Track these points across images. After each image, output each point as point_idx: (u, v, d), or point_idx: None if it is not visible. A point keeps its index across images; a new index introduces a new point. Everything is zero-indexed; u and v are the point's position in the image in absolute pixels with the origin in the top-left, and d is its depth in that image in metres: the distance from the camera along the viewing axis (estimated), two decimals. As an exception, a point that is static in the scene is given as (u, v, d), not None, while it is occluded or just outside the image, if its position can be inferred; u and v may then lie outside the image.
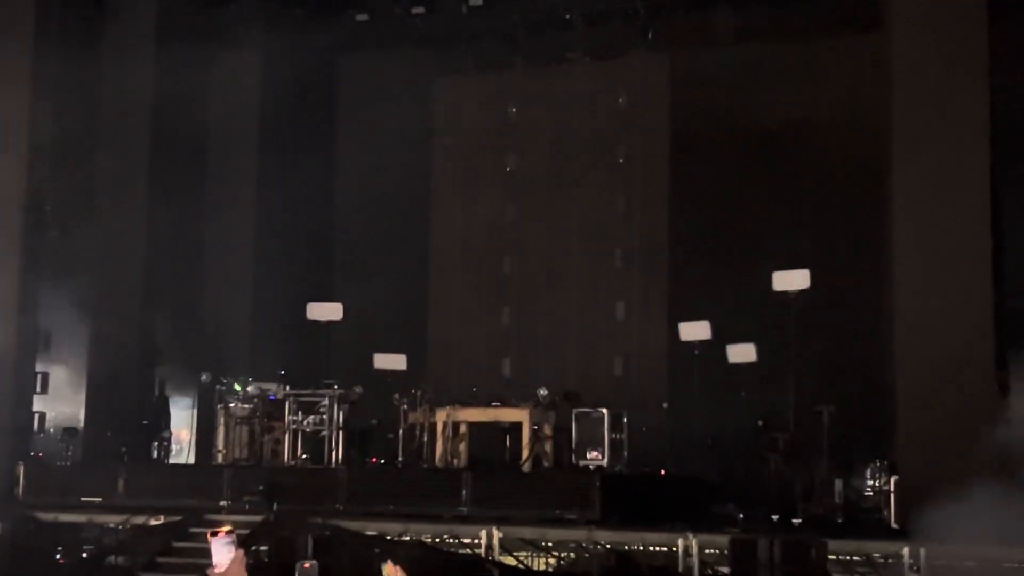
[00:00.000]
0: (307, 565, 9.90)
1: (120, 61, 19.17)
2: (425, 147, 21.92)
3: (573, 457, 15.89)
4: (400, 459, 16.30)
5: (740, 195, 19.44)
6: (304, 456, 16.56)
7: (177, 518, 14.63)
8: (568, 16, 20.72)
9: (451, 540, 13.72)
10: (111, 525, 14.89)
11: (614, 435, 15.87)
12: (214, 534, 8.34)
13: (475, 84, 21.83)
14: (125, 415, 18.42)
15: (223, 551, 8.36)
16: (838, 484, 14.98)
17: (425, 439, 16.27)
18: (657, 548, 13.08)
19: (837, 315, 17.87)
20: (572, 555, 13.47)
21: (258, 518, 14.14)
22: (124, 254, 19.17)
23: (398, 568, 9.31)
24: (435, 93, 22.08)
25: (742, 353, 16.66)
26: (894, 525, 14.21)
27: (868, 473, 15.34)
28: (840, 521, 14.53)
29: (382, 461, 16.60)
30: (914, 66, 16.02)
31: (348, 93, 22.23)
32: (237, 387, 17.10)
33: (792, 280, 16.04)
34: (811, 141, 19.13)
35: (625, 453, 15.99)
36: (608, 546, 13.22)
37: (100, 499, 15.44)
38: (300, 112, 21.05)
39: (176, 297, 19.76)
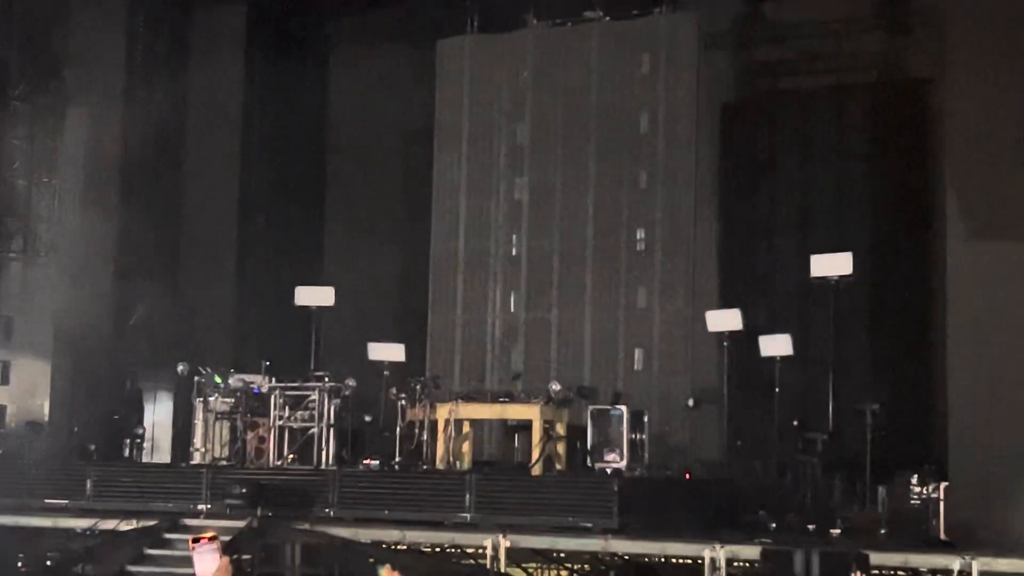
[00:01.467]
0: None
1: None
2: (427, 115, 21.90)
3: (588, 459, 15.91)
4: (397, 460, 16.33)
5: (776, 168, 19.43)
6: (291, 456, 16.58)
7: (151, 523, 14.65)
8: (586, -31, 20.69)
9: (453, 550, 13.75)
10: (78, 530, 14.92)
11: (633, 435, 15.89)
12: (196, 540, 8.33)
13: (482, 45, 21.79)
14: (94, 409, 18.44)
15: (207, 560, 8.35)
16: (881, 491, 14.96)
17: (425, 438, 16.30)
18: (681, 560, 13.09)
19: (883, 303, 17.89)
20: (587, 567, 13.49)
21: (240, 524, 14.15)
22: (94, 232, 19.19)
23: (395, 574, 9.32)
24: (438, 55, 22.04)
25: (776, 345, 16.65)
26: (943, 536, 14.20)
27: (915, 479, 15.32)
28: (883, 532, 14.52)
29: (377, 462, 16.61)
30: (967, 26, 15.97)
31: (343, 53, 22.22)
32: (218, 379, 17.12)
33: (833, 264, 16.02)
34: (857, 106, 19.08)
35: (646, 455, 16.01)
36: (627, 557, 13.24)
37: (66, 502, 15.47)
38: (288, 74, 21.04)
39: (151, 280, 19.79)
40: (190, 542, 8.40)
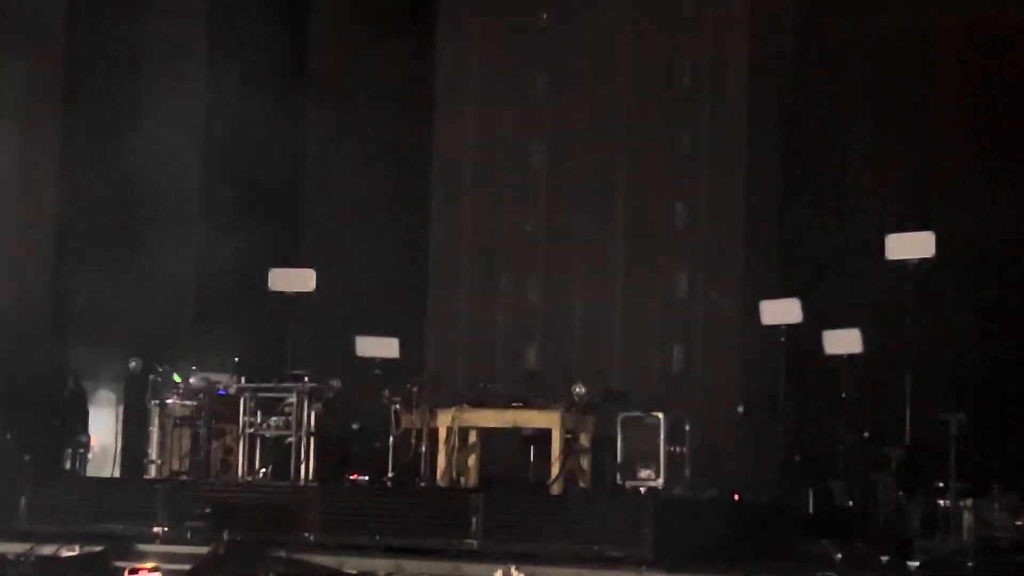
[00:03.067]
0: None
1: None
2: (426, 65, 21.92)
3: (618, 476, 15.94)
4: (390, 476, 16.38)
5: (842, 132, 19.43)
6: (264, 470, 16.65)
7: (96, 548, 14.70)
8: None
9: (456, 582, 13.79)
10: (10, 556, 14.96)
11: (672, 448, 15.90)
12: (134, 573, 8.42)
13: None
14: (29, 413, 18.51)
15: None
16: (967, 516, 14.99)
17: (423, 450, 16.32)
18: (727, 597, 13.14)
19: (970, 294, 17.86)
20: (615, 604, 13.52)
21: (204, 550, 14.20)
22: (31, 200, 19.27)
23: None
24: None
25: (843, 341, 16.68)
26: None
27: (1006, 501, 15.36)
28: (970, 564, 14.55)
29: (366, 478, 16.68)
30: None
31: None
32: (177, 378, 17.18)
33: (912, 246, 16.03)
34: (940, 62, 19.09)
35: (687, 472, 16.03)
36: (663, 593, 13.27)
37: (-4, 523, 15.55)
38: (262, 16, 21.05)
39: (98, 259, 19.84)
40: (126, 573, 8.46)
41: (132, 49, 20.63)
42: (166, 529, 14.95)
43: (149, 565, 8.47)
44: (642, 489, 15.66)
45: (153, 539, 14.75)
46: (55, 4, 19.76)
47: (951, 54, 19.16)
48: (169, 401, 17.12)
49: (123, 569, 13.44)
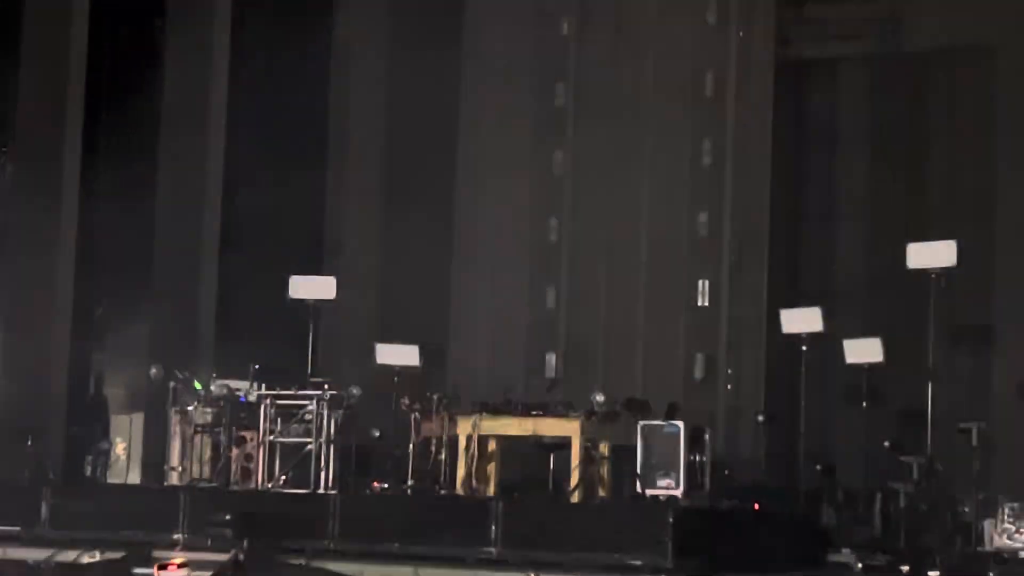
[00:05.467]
0: None
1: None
2: (451, 72, 21.97)
3: (638, 485, 15.98)
4: (410, 483, 16.45)
5: (868, 141, 19.42)
6: (284, 477, 16.72)
7: (117, 555, 14.80)
8: None
9: (475, 590, 13.85)
10: (31, 562, 15.08)
11: (692, 456, 15.95)
12: (163, 567, 8.54)
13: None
14: (50, 420, 18.60)
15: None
16: (988, 526, 15.00)
17: (443, 457, 16.40)
18: (747, 606, 13.18)
19: (993, 302, 17.86)
20: (635, 613, 13.56)
21: (223, 558, 14.28)
22: (53, 208, 19.38)
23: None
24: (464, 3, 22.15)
25: (865, 350, 16.67)
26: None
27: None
28: (991, 575, 14.57)
29: (386, 486, 16.75)
30: None
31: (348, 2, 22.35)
32: (197, 385, 17.25)
33: (934, 255, 16.01)
34: (972, 69, 19.04)
35: (707, 480, 16.07)
36: (682, 602, 13.32)
37: (18, 529, 15.65)
38: (285, 20, 21.15)
39: (119, 267, 19.96)
40: (155, 569, 8.59)
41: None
42: (186, 536, 14.98)
43: (178, 560, 8.56)
44: (662, 498, 15.71)
45: (173, 546, 14.80)
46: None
47: (986, 61, 19.13)
48: (190, 408, 17.19)
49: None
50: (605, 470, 16.24)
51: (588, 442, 16.08)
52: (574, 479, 15.91)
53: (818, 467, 16.62)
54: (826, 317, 16.78)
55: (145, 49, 20.72)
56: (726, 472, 16.56)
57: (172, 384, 17.42)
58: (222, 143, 20.88)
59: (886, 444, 16.07)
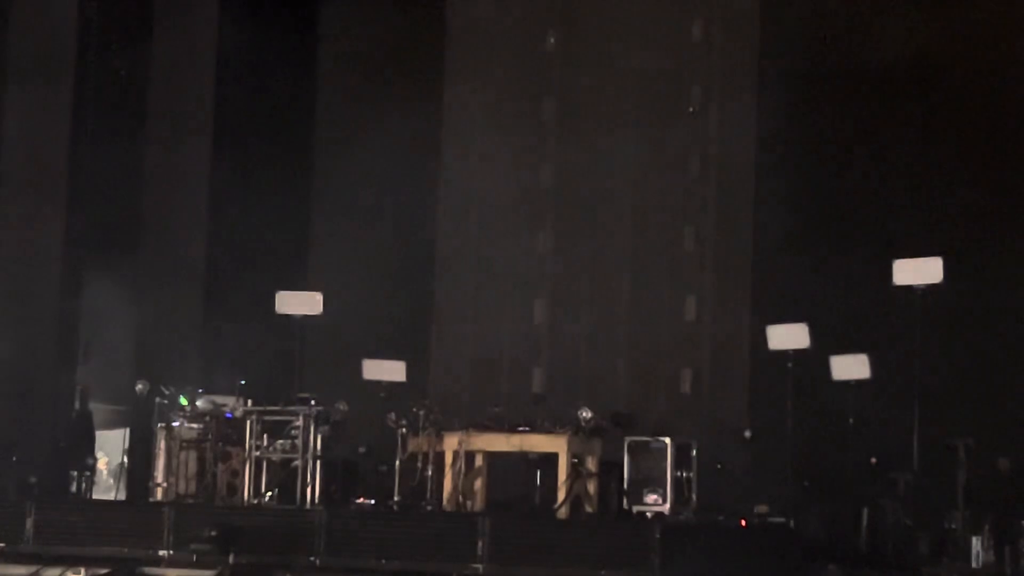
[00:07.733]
0: None
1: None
2: (434, 86, 22.00)
3: (625, 501, 16.04)
4: (396, 499, 16.48)
5: (851, 155, 19.48)
6: (270, 493, 16.73)
7: (102, 572, 14.81)
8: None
9: (462, 606, 13.90)
10: (15, 579, 15.11)
11: (679, 472, 16.00)
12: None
13: (502, 3, 21.92)
14: (35, 435, 18.59)
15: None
16: (976, 542, 15.06)
17: (430, 473, 16.43)
18: (734, 622, 13.23)
19: (978, 318, 17.91)
20: (622, 629, 13.60)
21: (209, 573, 14.30)
22: (39, 222, 19.40)
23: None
24: (448, 16, 22.16)
25: (851, 367, 16.74)
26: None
27: (1018, 530, 15.40)
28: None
29: (372, 501, 16.77)
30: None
31: (332, 13, 22.37)
32: (183, 401, 17.26)
33: (919, 271, 16.11)
34: (949, 83, 19.11)
35: (694, 496, 16.12)
36: (669, 618, 13.36)
37: (2, 545, 15.64)
38: (268, 32, 21.18)
39: (104, 281, 19.97)
40: None
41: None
42: (172, 552, 15.01)
43: None
44: (648, 514, 15.76)
45: (159, 562, 14.85)
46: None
47: (961, 75, 19.19)
48: (175, 424, 17.21)
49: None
50: (592, 486, 16.27)
51: (575, 458, 16.12)
52: (561, 495, 15.95)
53: (806, 482, 16.66)
54: (813, 333, 16.86)
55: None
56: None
57: (157, 400, 17.44)
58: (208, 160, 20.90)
59: (873, 460, 16.11)
